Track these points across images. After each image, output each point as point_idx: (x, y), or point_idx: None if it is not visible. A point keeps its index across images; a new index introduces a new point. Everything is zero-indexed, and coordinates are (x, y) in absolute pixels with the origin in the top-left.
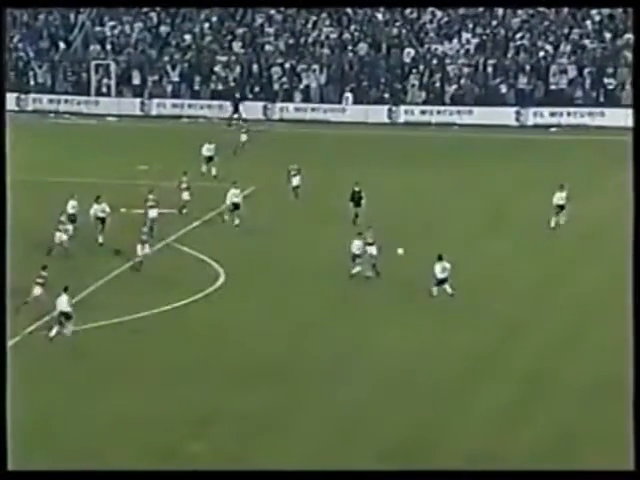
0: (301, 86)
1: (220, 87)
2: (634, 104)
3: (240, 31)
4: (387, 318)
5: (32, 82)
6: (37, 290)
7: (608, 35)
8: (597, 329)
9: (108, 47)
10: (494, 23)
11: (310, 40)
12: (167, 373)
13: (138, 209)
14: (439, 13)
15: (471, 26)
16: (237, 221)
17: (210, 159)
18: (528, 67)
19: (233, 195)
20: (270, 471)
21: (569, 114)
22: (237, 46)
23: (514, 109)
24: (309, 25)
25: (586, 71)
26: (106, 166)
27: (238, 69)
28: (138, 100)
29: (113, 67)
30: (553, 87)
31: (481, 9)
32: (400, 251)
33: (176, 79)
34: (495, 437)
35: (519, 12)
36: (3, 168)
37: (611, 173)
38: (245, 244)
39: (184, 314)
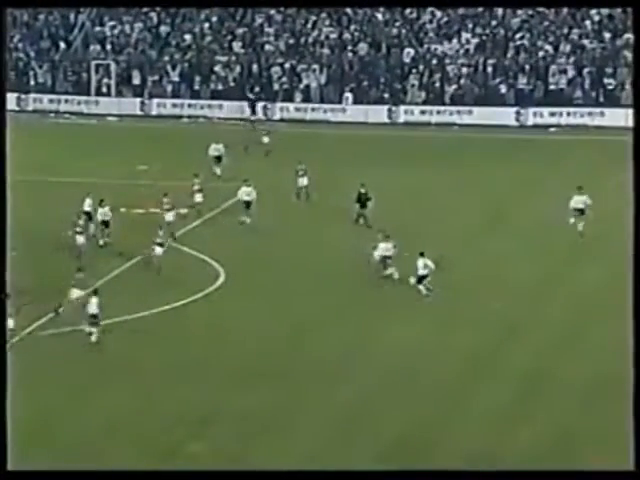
0: (301, 86)
1: (220, 87)
2: (634, 104)
3: (240, 31)
4: (387, 318)
5: (32, 82)
6: (74, 293)
7: (607, 35)
8: (596, 329)
9: (108, 47)
10: (494, 23)
11: (310, 40)
12: (167, 373)
13: (138, 209)
14: (439, 13)
15: (471, 26)
16: (243, 219)
17: (218, 159)
18: (528, 67)
19: (244, 193)
20: (270, 471)
21: (569, 114)
22: (237, 46)
23: (514, 109)
24: (309, 25)
25: (586, 71)
26: (106, 166)
27: (238, 69)
28: (138, 100)
29: (113, 67)
30: (553, 87)
31: (481, 9)
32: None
33: (176, 79)
34: (495, 437)
35: (519, 12)
36: (3, 168)
37: (611, 173)
38: (245, 244)
39: (184, 314)
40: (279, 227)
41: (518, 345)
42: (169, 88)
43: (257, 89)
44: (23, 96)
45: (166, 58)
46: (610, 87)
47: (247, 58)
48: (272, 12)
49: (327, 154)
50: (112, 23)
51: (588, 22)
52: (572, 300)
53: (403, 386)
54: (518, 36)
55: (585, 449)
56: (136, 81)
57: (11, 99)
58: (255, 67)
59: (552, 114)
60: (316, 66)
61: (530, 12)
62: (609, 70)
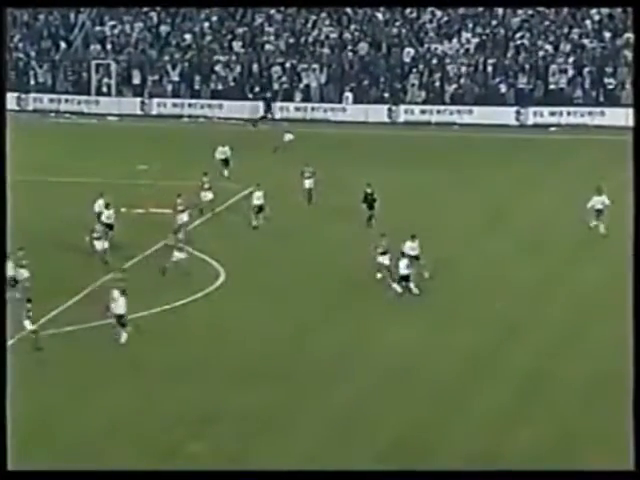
0: (301, 85)
1: (220, 87)
2: (634, 104)
3: (240, 31)
4: (387, 318)
5: (33, 82)
6: (116, 294)
7: (608, 35)
8: (597, 328)
9: (108, 47)
10: (494, 23)
11: (310, 40)
12: (167, 372)
13: (138, 209)
14: (439, 13)
15: (471, 26)
16: (255, 222)
17: (226, 162)
18: (528, 67)
19: (257, 197)
20: (270, 471)
21: (569, 114)
22: (237, 46)
23: (514, 109)
24: (309, 25)
25: (586, 71)
26: (106, 165)
27: (238, 69)
28: (138, 100)
29: (113, 67)
30: (553, 87)
31: (481, 9)
32: (379, 276)
33: (176, 79)
34: (495, 437)
35: (519, 12)
36: (3, 168)
37: (611, 172)
38: (246, 243)
39: (184, 313)
40: (280, 226)
41: (518, 345)
42: (169, 88)
43: (257, 89)
44: (23, 96)
45: (166, 58)
46: (610, 87)
47: (247, 58)
48: (272, 12)
49: (327, 154)
50: (112, 23)
51: (588, 22)
52: (573, 300)
53: (404, 386)
54: (518, 36)
55: (585, 449)
56: (136, 81)
57: (11, 99)
58: (255, 67)
59: (552, 114)
60: (316, 66)
61: (530, 12)
62: (609, 70)
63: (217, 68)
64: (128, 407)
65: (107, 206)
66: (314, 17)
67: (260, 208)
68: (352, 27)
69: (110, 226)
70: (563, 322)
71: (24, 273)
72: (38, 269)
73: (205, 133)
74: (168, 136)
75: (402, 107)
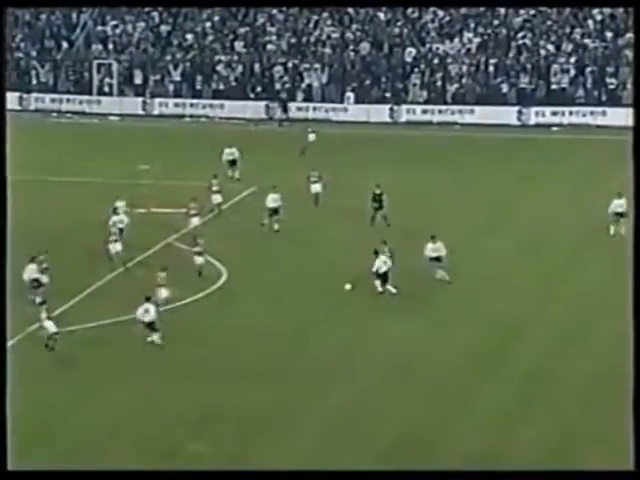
0: (303, 85)
1: (222, 87)
2: (634, 104)
3: (242, 30)
4: (388, 317)
5: (34, 81)
6: (162, 292)
7: (610, 34)
8: (600, 328)
9: (110, 46)
10: (496, 22)
11: (312, 39)
12: (168, 372)
13: (140, 208)
14: (441, 12)
15: (473, 25)
16: (276, 226)
17: (233, 163)
18: (530, 66)
19: (272, 200)
20: (270, 471)
21: (571, 113)
22: (239, 45)
23: (516, 108)
24: (311, 24)
25: (588, 70)
26: (108, 165)
27: (240, 68)
28: (140, 99)
29: (115, 66)
30: (555, 86)
31: (483, 8)
32: (347, 287)
33: (178, 78)
34: (496, 436)
35: (521, 11)
36: (3, 168)
37: (613, 172)
38: (248, 244)
39: (185, 313)
40: (282, 227)
41: (520, 344)
42: (171, 87)
43: (259, 89)
44: (25, 95)
45: (168, 57)
46: (612, 86)
47: (249, 57)
48: (274, 12)
49: (330, 154)
50: (114, 23)
51: (590, 21)
52: (574, 299)
53: (405, 386)
54: (520, 35)
55: (585, 449)
56: (138, 80)
57: (13, 98)
58: (257, 66)
59: (554, 113)
60: (318, 65)
61: (532, 11)
62: (611, 69)
63: (219, 68)
64: (129, 407)
65: (115, 210)
66: (316, 17)
67: (275, 211)
68: (354, 27)
69: (121, 230)
70: (566, 322)
71: (44, 278)
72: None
73: (207, 133)
74: (170, 136)
75: (404, 107)
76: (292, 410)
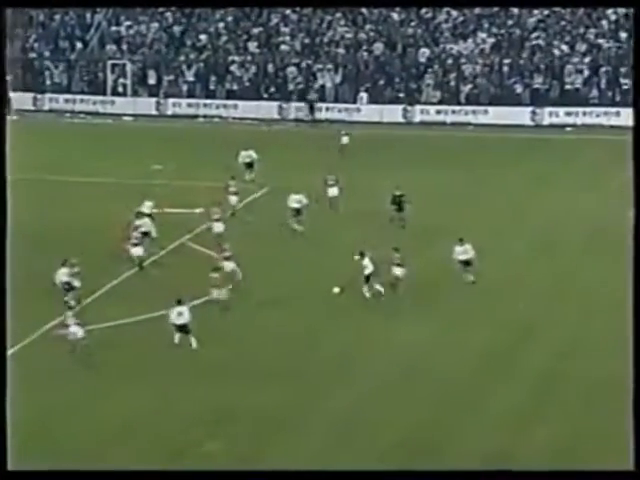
0: (316, 86)
1: (235, 87)
2: (634, 104)
3: (255, 31)
4: (402, 317)
5: (48, 82)
6: (215, 292)
7: (624, 35)
8: (613, 328)
9: (124, 47)
10: (510, 23)
11: (325, 40)
12: (183, 372)
13: (153, 209)
14: (454, 13)
15: (486, 26)
16: (299, 227)
17: (250, 165)
18: (543, 67)
19: (295, 200)
20: (282, 471)
21: (585, 114)
22: (252, 46)
23: (529, 109)
24: (324, 25)
25: (602, 71)
26: (121, 165)
27: (253, 69)
28: (154, 100)
29: (129, 67)
30: (569, 87)
31: (496, 9)
32: (336, 290)
33: (191, 79)
34: (509, 436)
35: (535, 12)
36: (3, 168)
37: (627, 173)
38: (261, 244)
39: (199, 313)
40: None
41: (534, 345)
42: (184, 88)
43: (272, 89)
44: (39, 96)
45: (182, 58)
46: (626, 87)
47: (262, 58)
48: (287, 12)
49: (343, 154)
50: (128, 23)
51: (604, 22)
52: (587, 300)
53: (418, 386)
54: (534, 36)
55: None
56: (152, 81)
57: (27, 99)
58: (270, 67)
59: (568, 114)
60: (331, 66)
61: (546, 12)
62: (625, 70)
63: (232, 68)
64: (143, 407)
65: (138, 215)
66: (329, 17)
67: (297, 211)
68: (367, 27)
69: (146, 233)
70: (578, 322)
71: (75, 282)
72: (48, 268)
73: (220, 133)
74: (183, 136)
75: (417, 107)
76: (307, 410)
